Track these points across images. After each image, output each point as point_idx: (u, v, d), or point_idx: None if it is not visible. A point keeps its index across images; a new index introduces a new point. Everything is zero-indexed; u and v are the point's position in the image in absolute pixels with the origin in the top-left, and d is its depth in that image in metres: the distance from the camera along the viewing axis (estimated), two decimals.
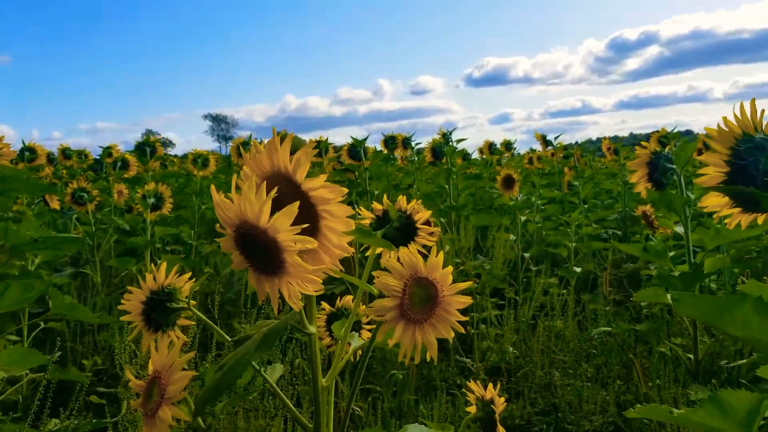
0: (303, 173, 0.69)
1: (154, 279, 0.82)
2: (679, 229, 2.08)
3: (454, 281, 0.82)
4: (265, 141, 0.75)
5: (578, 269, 3.10)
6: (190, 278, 0.85)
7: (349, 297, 1.14)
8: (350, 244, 0.72)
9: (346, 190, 0.69)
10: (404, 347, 0.68)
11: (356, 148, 3.46)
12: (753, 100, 0.98)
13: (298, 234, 0.62)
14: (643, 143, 2.02)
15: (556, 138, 4.60)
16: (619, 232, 4.76)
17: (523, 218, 3.04)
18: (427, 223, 3.24)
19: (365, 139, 3.54)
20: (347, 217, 0.70)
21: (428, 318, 0.69)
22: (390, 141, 4.75)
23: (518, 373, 2.19)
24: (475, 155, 6.56)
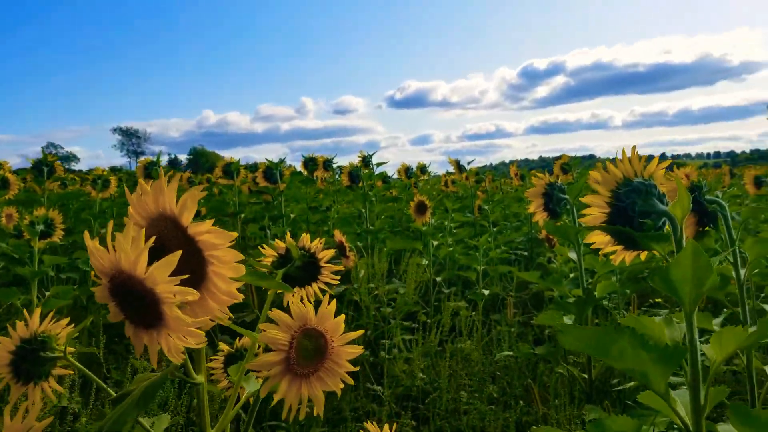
0: (189, 217, 0.66)
1: (26, 325, 0.76)
2: (573, 255, 2.19)
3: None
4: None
5: (486, 291, 3.19)
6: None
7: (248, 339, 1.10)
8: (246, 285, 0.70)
9: (234, 234, 0.67)
10: (289, 402, 0.67)
11: (272, 171, 3.41)
12: (634, 148, 1.06)
13: (182, 281, 0.60)
14: (539, 174, 2.12)
15: (469, 163, 4.75)
16: (526, 253, 4.96)
17: (435, 243, 3.10)
18: (342, 247, 3.22)
19: (281, 161, 3.49)
20: (236, 261, 0.69)
21: (316, 371, 0.67)
22: (310, 162, 4.72)
23: (426, 399, 2.21)
24: (397, 176, 6.63)
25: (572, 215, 2.22)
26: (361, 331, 0.70)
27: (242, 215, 3.37)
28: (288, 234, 0.99)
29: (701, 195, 1.43)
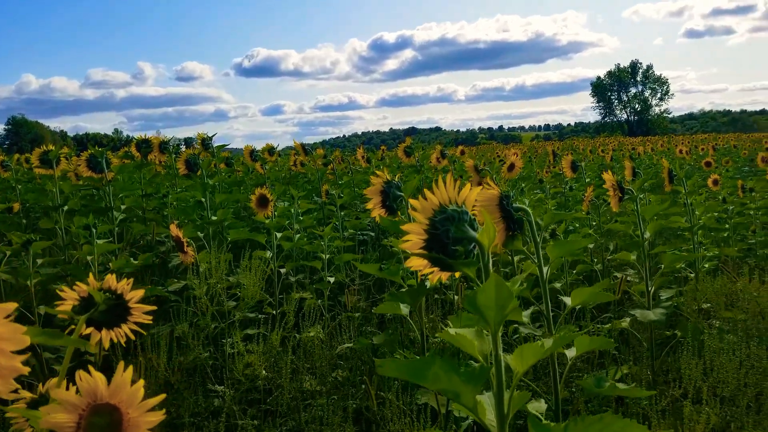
0: None
1: None
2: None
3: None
4: None
5: (332, 279, 3.24)
6: None
7: (55, 380, 1.01)
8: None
9: (12, 307, 0.60)
10: None
11: (96, 159, 3.11)
12: (450, 174, 1.12)
13: None
14: (377, 172, 2.17)
15: (314, 147, 4.73)
16: (373, 234, 5.11)
17: (279, 234, 3.07)
18: (180, 242, 3.04)
19: (107, 148, 3.20)
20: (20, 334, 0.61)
21: None
22: (143, 145, 4.38)
23: (269, 397, 2.20)
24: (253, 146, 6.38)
25: (407, 212, 2.32)
26: (163, 395, 0.67)
27: (65, 208, 3.05)
28: (91, 276, 0.91)
29: (509, 204, 1.57)
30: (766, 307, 2.37)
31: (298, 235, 3.52)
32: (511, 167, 3.65)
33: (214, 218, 3.39)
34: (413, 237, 1.07)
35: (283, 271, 3.13)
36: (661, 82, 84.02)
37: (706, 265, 3.26)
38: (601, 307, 3.44)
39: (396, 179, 2.19)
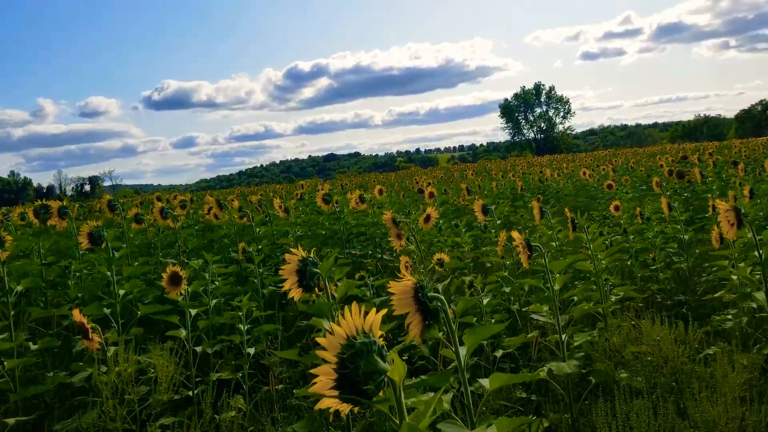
0: None
1: None
2: (327, 326, 2.28)
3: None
4: None
5: (252, 351, 3.14)
6: None
7: None
8: None
9: None
10: None
11: None
12: (354, 304, 1.12)
13: None
14: (292, 249, 2.15)
15: (230, 179, 4.62)
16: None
17: (193, 312, 2.95)
18: (83, 329, 2.87)
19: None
20: None
21: None
22: (42, 210, 4.12)
23: None
24: (162, 205, 6.15)
25: (326, 289, 2.30)
26: None
27: None
28: None
29: (424, 295, 1.59)
30: (667, 351, 2.52)
31: (215, 301, 3.40)
32: (427, 218, 3.73)
33: (121, 292, 3.23)
34: (323, 378, 1.05)
35: (199, 350, 3.01)
36: (563, 101, 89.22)
37: (613, 299, 3.45)
38: (522, 349, 3.54)
39: (311, 255, 2.17)
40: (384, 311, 1.15)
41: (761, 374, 2.74)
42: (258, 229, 5.13)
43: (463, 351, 1.71)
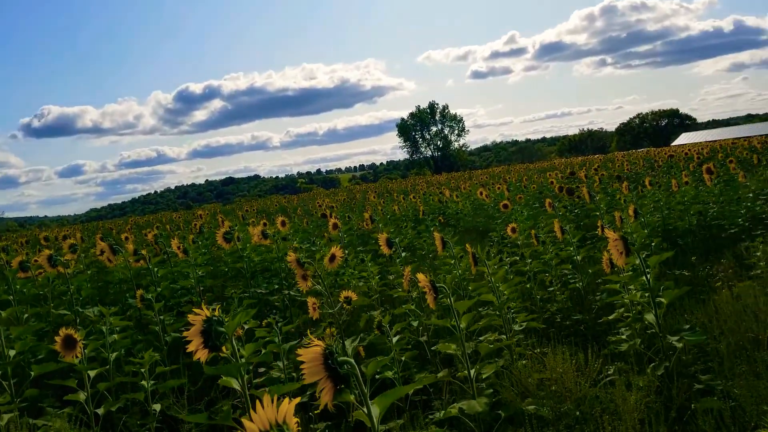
0: None
1: None
2: (236, 385, 2.17)
3: None
4: None
5: (158, 408, 2.95)
6: None
7: None
8: None
9: None
10: None
11: None
12: (267, 396, 1.06)
13: None
14: (195, 310, 2.03)
15: (123, 207, 4.35)
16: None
17: (92, 374, 2.72)
18: None
19: None
20: None
21: None
22: None
23: None
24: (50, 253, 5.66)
25: (233, 348, 2.19)
26: None
27: None
28: None
29: (334, 361, 1.56)
30: (569, 384, 2.63)
31: (114, 355, 3.16)
32: (332, 258, 3.70)
33: (12, 352, 2.94)
34: None
35: (101, 411, 2.77)
36: (457, 119, 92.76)
37: (516, 328, 3.58)
38: (438, 386, 3.56)
39: (216, 314, 2.06)
40: (298, 399, 1.10)
41: (657, 394, 2.92)
42: (156, 270, 4.85)
43: (375, 411, 1.69)
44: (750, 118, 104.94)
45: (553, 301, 5.01)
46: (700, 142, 44.06)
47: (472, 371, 2.75)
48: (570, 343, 3.62)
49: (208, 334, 2.03)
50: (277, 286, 5.16)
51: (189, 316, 1.98)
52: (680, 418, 2.83)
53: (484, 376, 2.85)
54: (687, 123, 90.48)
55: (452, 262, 4.51)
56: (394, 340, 3.09)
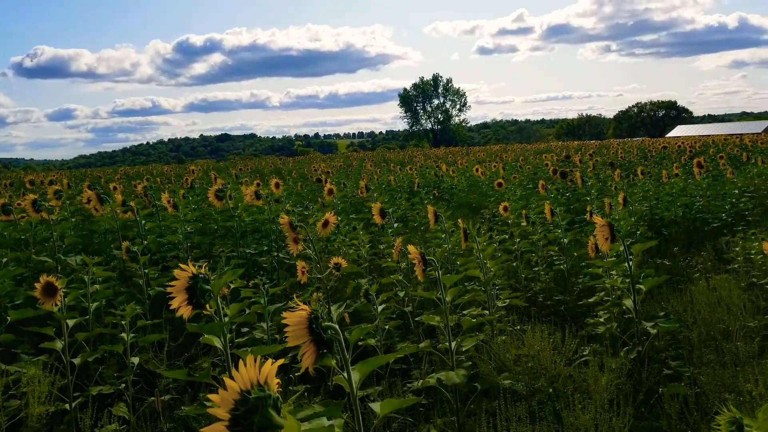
0: None
1: None
2: (218, 344, 2.21)
3: None
4: None
5: (136, 361, 2.99)
6: None
7: None
8: None
9: None
10: None
11: None
12: (250, 356, 1.08)
13: None
14: (182, 265, 2.05)
15: (113, 156, 4.33)
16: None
17: (71, 323, 2.73)
18: None
19: None
20: None
21: None
22: None
23: None
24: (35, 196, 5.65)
25: (217, 306, 2.22)
26: None
27: None
28: None
29: (319, 325, 1.59)
30: (545, 362, 2.70)
31: (95, 304, 3.19)
32: (326, 224, 3.72)
33: None
34: None
35: (77, 361, 2.80)
36: (460, 94, 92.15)
37: (500, 304, 3.64)
38: (419, 357, 3.63)
39: (202, 271, 2.09)
40: (281, 361, 1.13)
41: (628, 377, 3.01)
42: (144, 222, 4.84)
43: (356, 377, 1.73)
44: (744, 116, 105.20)
45: (537, 280, 5.08)
46: (694, 136, 44.29)
47: (453, 344, 2.81)
48: (550, 322, 3.70)
49: (193, 291, 2.05)
50: (266, 248, 5.19)
51: (175, 271, 1.99)
52: (647, 400, 2.92)
53: (464, 349, 2.91)
54: (683, 116, 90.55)
55: (443, 236, 4.56)
56: (380, 308, 3.14)
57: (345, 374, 1.69)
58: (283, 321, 1.59)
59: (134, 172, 24.67)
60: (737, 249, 4.94)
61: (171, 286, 1.97)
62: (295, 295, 1.82)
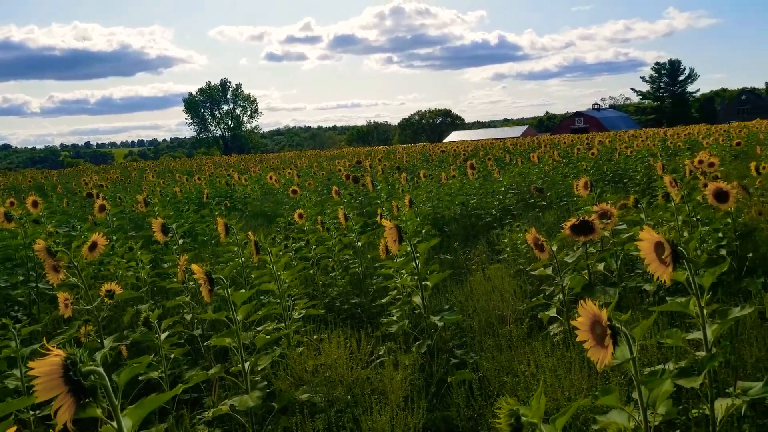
0: None
1: None
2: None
3: None
4: None
5: None
6: None
7: None
8: None
9: None
10: None
11: None
12: None
13: None
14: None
15: None
16: None
17: None
18: None
19: None
20: None
21: None
22: None
23: None
24: None
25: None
26: None
27: None
28: None
29: (78, 372, 1.34)
30: (342, 371, 2.68)
31: None
32: (93, 246, 3.26)
33: None
34: None
35: None
36: (250, 100, 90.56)
37: (296, 316, 3.56)
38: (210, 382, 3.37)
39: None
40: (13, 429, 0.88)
41: (421, 371, 3.14)
42: None
43: (128, 424, 1.49)
44: (506, 122, 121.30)
45: (334, 285, 5.11)
46: (467, 140, 49.65)
47: (247, 364, 2.64)
48: (347, 326, 3.72)
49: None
50: (22, 278, 4.42)
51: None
52: (439, 392, 3.07)
53: (260, 368, 2.76)
54: (457, 122, 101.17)
55: (236, 249, 4.33)
56: (164, 336, 2.83)
57: (114, 423, 1.45)
58: (30, 372, 1.30)
59: None
60: (506, 240, 5.52)
61: None
62: (45, 339, 1.50)
